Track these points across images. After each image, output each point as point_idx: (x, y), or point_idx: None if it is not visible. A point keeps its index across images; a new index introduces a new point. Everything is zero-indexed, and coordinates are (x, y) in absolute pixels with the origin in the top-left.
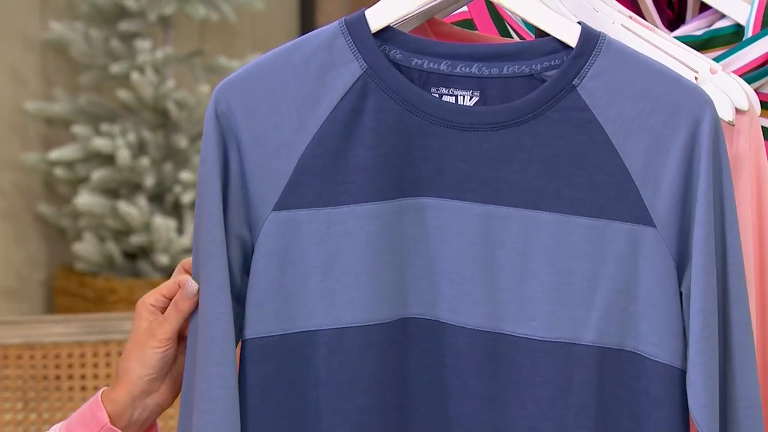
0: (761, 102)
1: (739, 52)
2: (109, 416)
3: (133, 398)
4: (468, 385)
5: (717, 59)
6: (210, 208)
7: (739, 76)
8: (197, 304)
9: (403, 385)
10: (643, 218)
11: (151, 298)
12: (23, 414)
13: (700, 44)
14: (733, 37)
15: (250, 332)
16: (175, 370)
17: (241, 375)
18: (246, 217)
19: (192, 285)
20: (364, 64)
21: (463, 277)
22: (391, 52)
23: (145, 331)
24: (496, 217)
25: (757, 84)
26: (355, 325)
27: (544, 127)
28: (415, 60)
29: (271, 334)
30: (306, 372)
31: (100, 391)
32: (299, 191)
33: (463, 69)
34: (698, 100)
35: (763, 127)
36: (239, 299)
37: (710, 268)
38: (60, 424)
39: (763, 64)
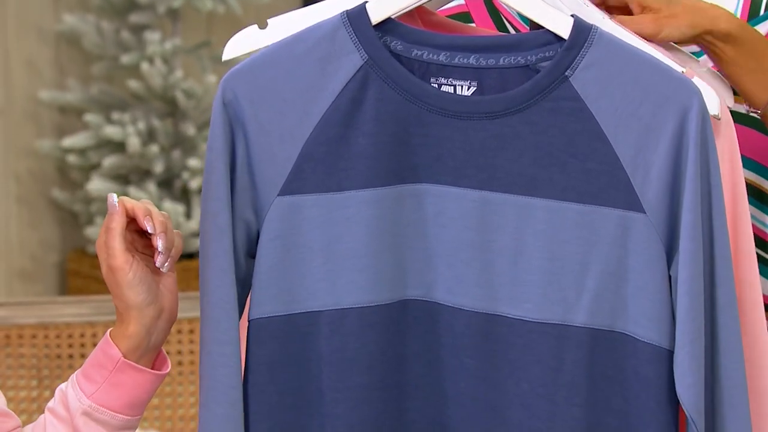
0: None
1: None
2: (123, 353)
3: (146, 327)
4: (464, 364)
5: (698, 54)
6: (216, 194)
7: None
8: (125, 216)
9: (401, 364)
10: (634, 204)
11: (98, 240)
12: (37, 391)
13: None
14: None
15: (255, 313)
16: (162, 283)
17: (247, 354)
18: (252, 202)
19: (111, 198)
20: (365, 55)
21: (459, 261)
22: (392, 44)
23: (106, 271)
24: (492, 203)
25: None
26: (357, 306)
27: (537, 116)
28: (415, 51)
29: (276, 315)
30: (309, 351)
31: (108, 333)
32: (303, 177)
33: (461, 60)
34: (686, 91)
35: (745, 114)
36: (245, 282)
37: (697, 253)
38: (74, 373)
39: None
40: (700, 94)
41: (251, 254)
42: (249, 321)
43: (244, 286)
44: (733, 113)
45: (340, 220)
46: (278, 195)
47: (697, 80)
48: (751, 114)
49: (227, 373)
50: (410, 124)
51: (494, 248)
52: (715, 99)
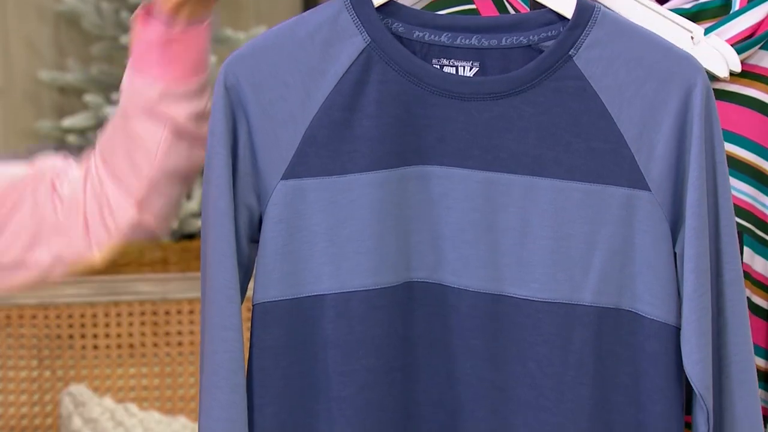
0: (746, 72)
1: (726, 25)
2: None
3: None
4: (470, 345)
5: (704, 32)
6: (217, 179)
7: None
8: None
9: (407, 346)
10: (638, 182)
11: None
12: (38, 371)
13: (689, 17)
14: (721, 10)
15: (259, 297)
16: None
17: (252, 338)
18: (255, 186)
19: None
20: (368, 38)
21: (465, 242)
22: (394, 25)
23: None
24: (497, 184)
25: (742, 56)
26: (361, 289)
27: (542, 96)
28: (417, 32)
29: (281, 299)
30: (314, 335)
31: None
32: (306, 161)
33: (463, 41)
34: (690, 68)
35: (747, 95)
36: (247, 267)
37: (703, 230)
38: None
39: (749, 36)
40: (704, 70)
41: (253, 239)
42: (253, 305)
43: (246, 271)
44: (735, 94)
45: (344, 204)
46: (282, 179)
47: (704, 44)
48: None
49: (229, 357)
50: (414, 106)
51: (500, 229)
52: (723, 62)
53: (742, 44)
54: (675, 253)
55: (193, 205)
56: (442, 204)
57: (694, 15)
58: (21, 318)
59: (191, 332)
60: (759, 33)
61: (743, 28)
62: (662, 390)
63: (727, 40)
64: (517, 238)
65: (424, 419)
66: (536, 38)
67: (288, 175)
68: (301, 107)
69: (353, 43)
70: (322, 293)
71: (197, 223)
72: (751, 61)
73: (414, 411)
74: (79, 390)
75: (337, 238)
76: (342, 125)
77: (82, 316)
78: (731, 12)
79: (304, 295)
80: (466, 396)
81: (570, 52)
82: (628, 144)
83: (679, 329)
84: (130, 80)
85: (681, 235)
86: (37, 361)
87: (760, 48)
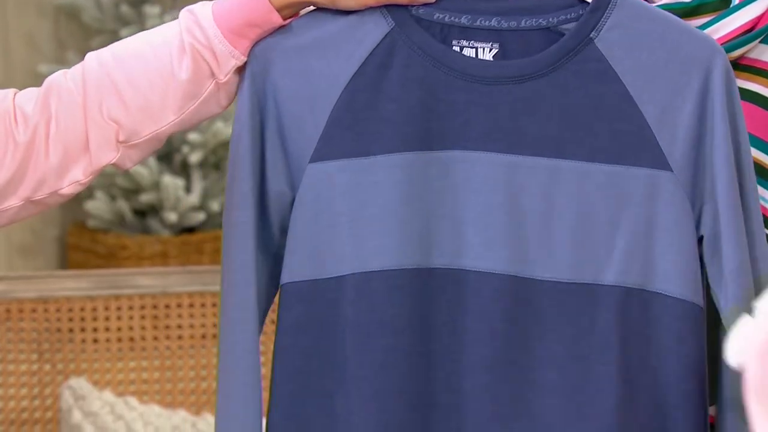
0: (746, 66)
1: (726, 19)
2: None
3: None
4: (493, 329)
5: (704, 26)
6: (241, 163)
7: (726, 42)
8: None
9: (427, 328)
10: (661, 163)
11: None
12: (38, 365)
13: (689, 11)
14: (721, 4)
15: (285, 278)
16: None
17: (277, 318)
18: (286, 173)
19: None
20: (392, 22)
21: (488, 225)
22: (414, 8)
23: None
24: (521, 167)
25: (742, 50)
26: (382, 269)
27: (564, 78)
28: (437, 14)
29: (304, 279)
30: (335, 315)
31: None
32: (331, 143)
33: (482, 22)
34: (710, 49)
35: (747, 90)
36: (277, 255)
37: (737, 206)
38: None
39: (748, 31)
40: (723, 51)
41: (285, 228)
42: (281, 286)
43: (276, 258)
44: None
45: (367, 185)
46: (309, 162)
47: None
48: None
49: (245, 338)
50: (437, 90)
51: (523, 211)
52: None
53: (740, 39)
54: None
55: (193, 199)
56: (465, 188)
57: (694, 9)
58: (21, 312)
59: (191, 326)
60: (759, 27)
61: (743, 22)
62: (689, 368)
63: (727, 34)
64: (540, 220)
65: (443, 403)
66: (555, 20)
67: (315, 158)
68: (326, 90)
69: (378, 26)
70: (343, 274)
71: (197, 217)
72: (752, 56)
73: (433, 393)
74: (79, 383)
75: (359, 219)
76: (366, 108)
77: (82, 309)
78: (731, 6)
79: (326, 276)
80: (488, 380)
81: (591, 35)
82: (650, 125)
83: (702, 308)
84: (215, 35)
85: (704, 216)
86: (37, 355)
87: (761, 42)
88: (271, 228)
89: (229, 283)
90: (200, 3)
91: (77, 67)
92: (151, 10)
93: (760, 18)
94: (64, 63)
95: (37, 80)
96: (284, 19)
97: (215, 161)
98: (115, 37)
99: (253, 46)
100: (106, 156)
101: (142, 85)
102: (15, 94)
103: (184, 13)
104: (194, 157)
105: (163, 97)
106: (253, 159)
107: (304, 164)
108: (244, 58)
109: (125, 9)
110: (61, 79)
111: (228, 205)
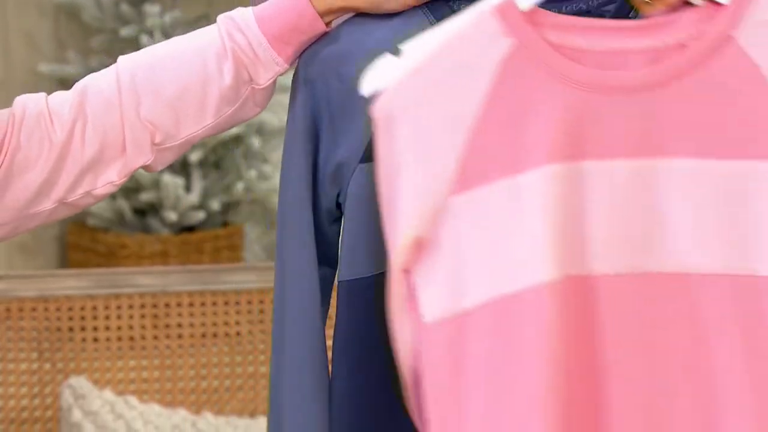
0: None
1: None
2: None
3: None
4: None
5: None
6: (298, 169)
7: None
8: None
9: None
10: None
11: None
12: (38, 364)
13: None
14: None
15: (343, 275)
16: None
17: (336, 315)
18: (333, 174)
19: None
20: (434, 19)
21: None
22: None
23: None
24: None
25: None
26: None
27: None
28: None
29: (362, 276)
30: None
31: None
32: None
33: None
34: None
35: None
36: (332, 252)
37: None
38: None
39: None
40: None
41: (335, 225)
42: (338, 282)
43: (333, 257)
44: None
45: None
46: (359, 162)
47: None
48: None
49: (304, 329)
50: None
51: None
52: None
53: None
54: None
55: (192, 198)
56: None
57: None
58: (21, 311)
59: (191, 325)
60: None
61: None
62: None
63: None
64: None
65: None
66: (596, 3)
67: (365, 159)
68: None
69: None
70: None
71: (197, 216)
72: None
73: None
74: (79, 382)
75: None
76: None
77: (82, 308)
78: None
79: (382, 270)
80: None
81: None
82: None
83: None
84: (259, 41)
85: None
86: (37, 354)
87: None
88: (322, 225)
89: (291, 286)
90: (237, 9)
91: (110, 70)
92: (151, 9)
93: None
94: (64, 62)
95: (37, 80)
96: (326, 26)
97: (215, 160)
98: (115, 36)
99: (305, 53)
100: (141, 158)
101: (180, 88)
102: (47, 97)
103: (222, 18)
104: (194, 157)
105: (202, 101)
106: (308, 165)
107: (353, 163)
108: (287, 66)
109: (125, 8)
110: (94, 81)
111: (282, 208)
